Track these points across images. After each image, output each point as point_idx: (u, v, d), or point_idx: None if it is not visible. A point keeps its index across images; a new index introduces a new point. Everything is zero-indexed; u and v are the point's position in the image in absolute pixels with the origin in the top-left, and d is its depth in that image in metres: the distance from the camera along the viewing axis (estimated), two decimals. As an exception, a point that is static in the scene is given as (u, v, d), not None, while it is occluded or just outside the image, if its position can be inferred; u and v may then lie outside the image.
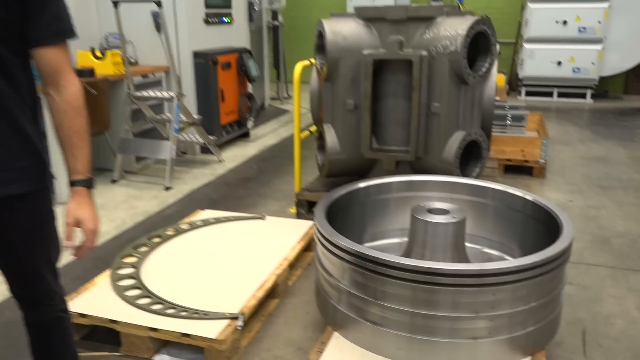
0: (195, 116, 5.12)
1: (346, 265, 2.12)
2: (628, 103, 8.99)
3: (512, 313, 2.00)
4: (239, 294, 2.57)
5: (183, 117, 4.97)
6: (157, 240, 3.16)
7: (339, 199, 2.59)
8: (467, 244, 2.90)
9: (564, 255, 2.10)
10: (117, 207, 4.24)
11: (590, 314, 2.67)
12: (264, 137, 6.60)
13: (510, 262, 1.95)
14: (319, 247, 2.32)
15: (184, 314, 2.39)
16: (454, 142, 3.26)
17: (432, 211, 2.42)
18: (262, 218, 3.53)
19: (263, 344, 2.47)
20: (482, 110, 3.37)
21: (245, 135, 6.47)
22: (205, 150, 5.56)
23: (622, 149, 5.87)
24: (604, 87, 9.16)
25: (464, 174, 3.39)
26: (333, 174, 3.66)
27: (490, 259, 2.82)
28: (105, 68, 4.66)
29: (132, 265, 2.83)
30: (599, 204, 4.20)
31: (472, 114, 3.30)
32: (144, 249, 3.04)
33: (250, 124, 6.52)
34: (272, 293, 2.79)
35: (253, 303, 2.50)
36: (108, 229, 3.81)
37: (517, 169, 4.93)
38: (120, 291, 2.57)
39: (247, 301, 2.50)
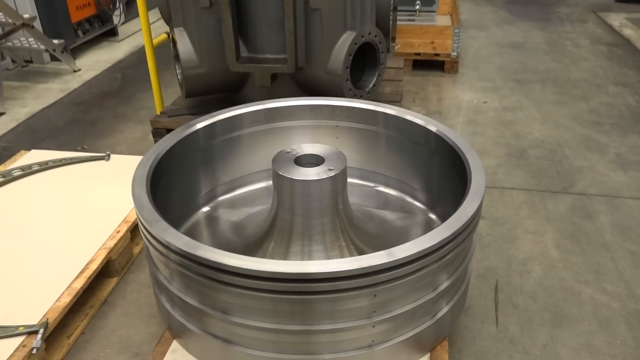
0: (26, 15, 3.96)
1: (174, 266, 1.45)
2: (545, -25, 8.39)
3: (414, 308, 1.46)
4: (49, 287, 1.86)
5: (6, 18, 3.81)
6: (-52, 206, 2.31)
7: (171, 151, 1.84)
8: (358, 182, 2.32)
9: (474, 219, 1.54)
10: None
11: (503, 259, 2.22)
12: (138, 34, 5.47)
13: (406, 249, 1.35)
14: (141, 232, 1.62)
15: (-44, 334, 1.68)
16: (342, 46, 2.51)
17: (300, 161, 1.75)
18: (104, 158, 2.72)
19: (87, 353, 1.83)
20: (377, 1, 2.61)
21: (111, 34, 5.32)
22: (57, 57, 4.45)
23: (540, 32, 5.35)
24: (521, -42, 8.45)
25: (357, 86, 2.71)
26: (194, 93, 2.85)
27: (387, 201, 2.25)
28: None
29: None
30: (515, 104, 3.70)
31: (364, 8, 2.53)
32: None
33: (117, 18, 5.34)
34: (108, 271, 2.11)
35: (65, 302, 1.81)
36: None
37: (427, 64, 4.29)
38: None
39: (58, 300, 1.81)
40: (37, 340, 1.63)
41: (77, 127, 3.48)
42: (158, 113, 3.17)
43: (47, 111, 3.74)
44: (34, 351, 1.62)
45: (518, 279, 2.11)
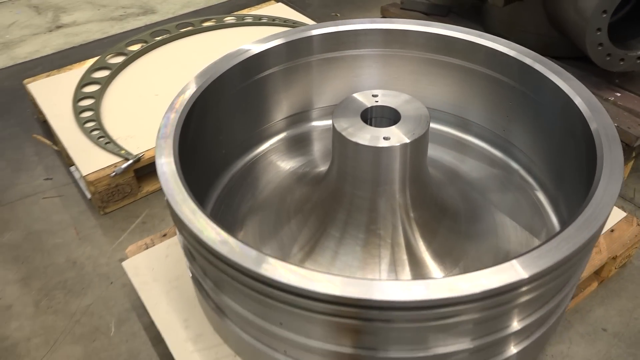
0: None
1: (206, 264, 1.07)
2: None
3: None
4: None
5: None
6: (160, 37, 2.59)
7: (223, 79, 1.52)
8: (474, 141, 1.74)
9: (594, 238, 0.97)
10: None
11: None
12: None
13: (503, 275, 0.89)
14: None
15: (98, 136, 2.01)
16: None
17: (370, 113, 1.35)
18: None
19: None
20: None
21: None
22: None
23: None
24: None
25: (625, 43, 1.82)
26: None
27: (503, 184, 1.59)
28: None
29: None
30: None
31: None
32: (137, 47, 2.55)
33: None
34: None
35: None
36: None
37: None
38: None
39: (164, 143, 1.98)
40: (119, 168, 1.85)
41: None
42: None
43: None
44: (112, 174, 1.84)
45: None
